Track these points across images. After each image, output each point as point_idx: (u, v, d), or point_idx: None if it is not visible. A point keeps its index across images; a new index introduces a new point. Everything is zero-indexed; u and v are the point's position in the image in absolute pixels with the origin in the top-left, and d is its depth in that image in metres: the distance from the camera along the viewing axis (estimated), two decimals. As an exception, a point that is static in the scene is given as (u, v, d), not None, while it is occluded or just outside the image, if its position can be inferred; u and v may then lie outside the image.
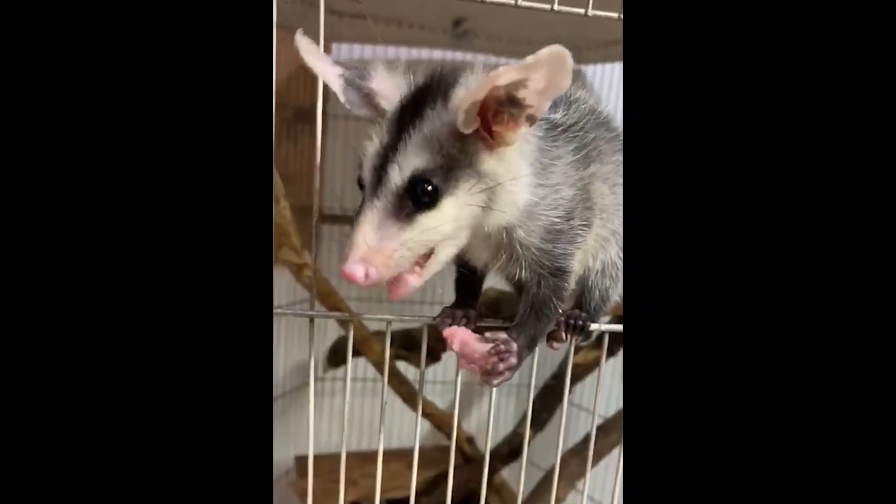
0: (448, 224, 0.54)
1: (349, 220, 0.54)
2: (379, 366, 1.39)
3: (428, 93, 0.56)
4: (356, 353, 1.46)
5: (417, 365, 1.03)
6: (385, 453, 0.73)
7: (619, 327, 0.71)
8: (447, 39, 1.78)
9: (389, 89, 0.58)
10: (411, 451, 0.71)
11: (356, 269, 0.51)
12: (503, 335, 0.59)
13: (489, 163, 0.55)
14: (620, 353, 1.25)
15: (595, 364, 1.42)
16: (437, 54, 1.80)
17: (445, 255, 0.57)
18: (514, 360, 0.57)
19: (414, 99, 0.56)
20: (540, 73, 0.46)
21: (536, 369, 0.73)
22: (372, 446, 0.75)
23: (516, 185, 0.57)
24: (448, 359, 1.43)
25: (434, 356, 1.41)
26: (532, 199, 0.59)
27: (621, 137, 0.69)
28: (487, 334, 0.59)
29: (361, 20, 1.53)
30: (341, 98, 0.58)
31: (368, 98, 0.58)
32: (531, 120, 0.53)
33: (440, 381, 1.81)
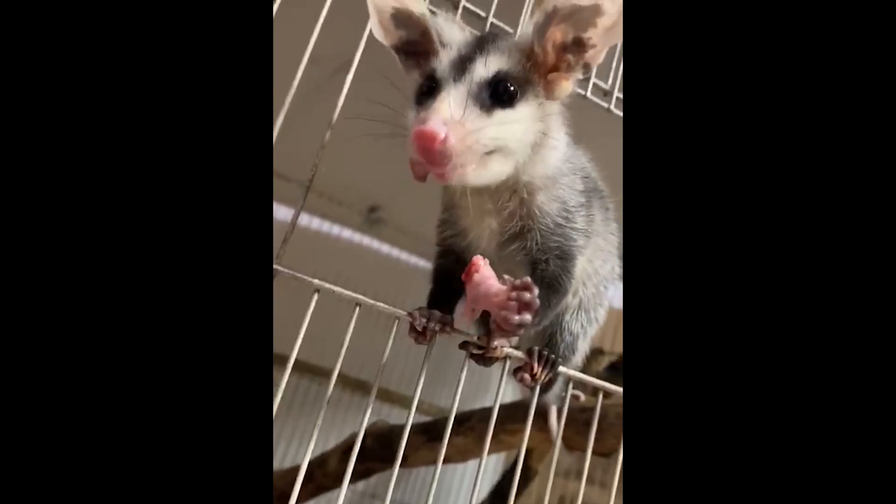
0: (519, 127, 0.53)
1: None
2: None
3: (496, 33, 0.61)
4: None
5: None
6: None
7: (583, 376, 0.66)
8: (360, 222, 1.86)
9: (454, 32, 0.59)
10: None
11: (439, 128, 0.47)
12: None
13: (545, 105, 0.57)
14: None
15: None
16: (347, 233, 1.85)
17: (500, 166, 0.54)
18: (531, 297, 0.50)
19: (487, 32, 0.60)
20: (616, 8, 0.50)
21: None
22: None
23: (559, 136, 0.58)
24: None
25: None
26: (561, 166, 0.60)
27: (610, 218, 0.74)
28: (505, 276, 0.52)
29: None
30: (430, 27, 0.57)
31: (439, 35, 0.58)
32: (586, 69, 0.56)
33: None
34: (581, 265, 0.67)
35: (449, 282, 0.66)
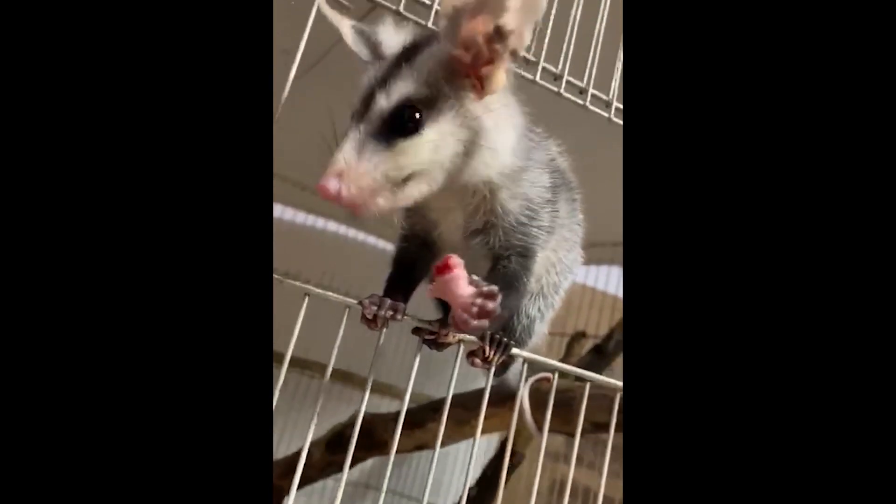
0: (427, 152, 0.54)
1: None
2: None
3: (425, 39, 0.58)
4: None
5: None
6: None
7: (537, 357, 0.67)
8: (346, 214, 1.86)
9: (396, 41, 0.59)
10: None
11: (330, 183, 0.51)
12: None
13: (475, 106, 0.56)
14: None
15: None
16: (332, 225, 1.86)
17: (416, 188, 0.55)
18: (493, 306, 0.52)
19: (412, 43, 0.58)
20: None
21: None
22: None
23: (500, 135, 0.58)
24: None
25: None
26: (516, 164, 0.60)
27: (576, 209, 0.75)
28: (475, 277, 0.54)
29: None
30: (351, 45, 0.59)
31: (376, 48, 0.60)
32: (514, 55, 0.54)
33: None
34: (545, 256, 0.68)
35: (409, 267, 0.68)
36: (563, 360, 1.50)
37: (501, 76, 0.56)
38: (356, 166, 0.51)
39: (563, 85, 0.74)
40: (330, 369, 0.61)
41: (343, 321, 0.60)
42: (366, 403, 0.66)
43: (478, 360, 0.65)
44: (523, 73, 0.71)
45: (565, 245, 0.73)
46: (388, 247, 1.96)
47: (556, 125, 0.72)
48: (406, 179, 0.54)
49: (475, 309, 0.52)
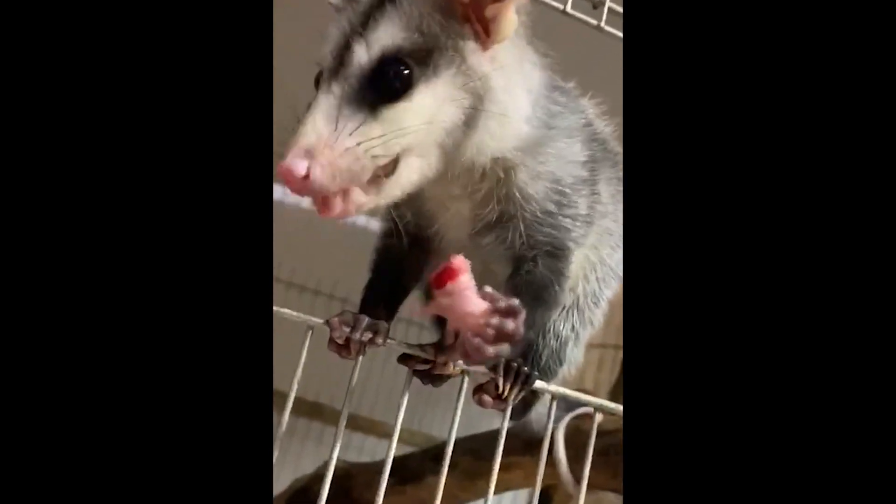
0: (421, 120, 0.54)
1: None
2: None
3: None
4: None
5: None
6: None
7: (569, 392, 0.67)
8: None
9: None
10: None
11: (297, 164, 0.50)
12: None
13: (479, 60, 0.57)
14: None
15: None
16: (297, 198, 1.86)
17: (409, 175, 0.55)
18: (515, 326, 0.51)
19: None
20: None
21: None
22: None
23: (511, 97, 0.58)
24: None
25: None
26: (535, 134, 0.60)
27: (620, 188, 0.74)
28: (487, 289, 0.53)
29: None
30: None
31: None
32: None
33: None
34: (582, 255, 0.68)
35: (395, 273, 0.68)
36: (616, 383, 1.50)
37: (512, 17, 0.56)
38: (331, 141, 0.51)
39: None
40: (290, 402, 0.61)
41: (305, 345, 0.60)
42: (341, 447, 0.65)
43: (487, 398, 0.64)
44: None
45: (609, 240, 0.73)
46: (376, 226, 1.97)
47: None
48: (395, 161, 0.54)
49: (491, 331, 0.51)
